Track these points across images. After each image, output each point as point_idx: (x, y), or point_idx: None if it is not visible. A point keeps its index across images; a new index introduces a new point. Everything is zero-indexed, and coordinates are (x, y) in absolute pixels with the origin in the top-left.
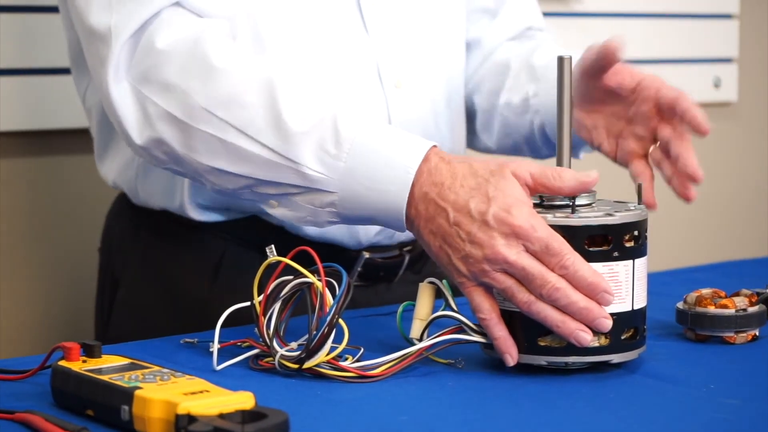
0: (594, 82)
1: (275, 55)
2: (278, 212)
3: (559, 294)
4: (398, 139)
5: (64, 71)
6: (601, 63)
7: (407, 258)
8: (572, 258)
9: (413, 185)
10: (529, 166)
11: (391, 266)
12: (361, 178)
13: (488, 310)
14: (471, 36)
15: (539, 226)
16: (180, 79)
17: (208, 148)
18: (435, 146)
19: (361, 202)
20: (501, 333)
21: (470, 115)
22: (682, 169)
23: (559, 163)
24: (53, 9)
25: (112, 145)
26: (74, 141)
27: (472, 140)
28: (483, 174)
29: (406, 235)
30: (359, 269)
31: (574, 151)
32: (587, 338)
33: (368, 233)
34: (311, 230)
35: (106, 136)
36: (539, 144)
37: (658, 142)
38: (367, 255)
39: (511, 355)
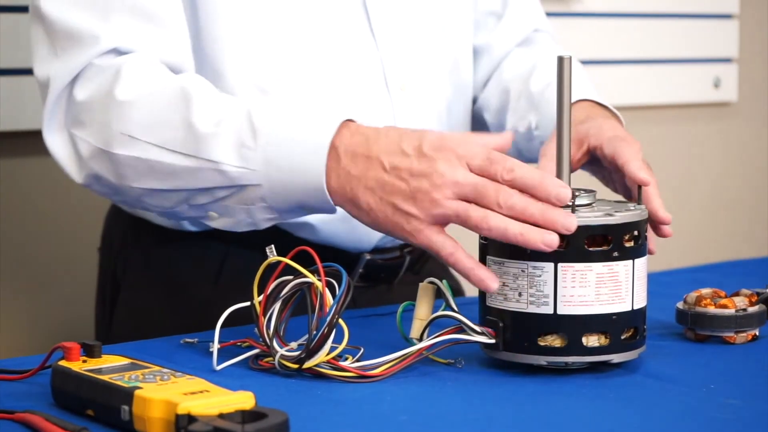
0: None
1: (192, 73)
2: (219, 223)
3: (514, 200)
4: (311, 118)
5: None
6: (614, 175)
7: (408, 259)
8: (516, 162)
9: (335, 154)
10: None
11: (391, 267)
12: (280, 163)
13: (452, 245)
14: (480, 42)
15: (474, 141)
16: (101, 116)
17: (135, 171)
18: (351, 120)
19: (287, 188)
20: (473, 263)
21: (482, 126)
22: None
23: (559, 164)
24: None
25: None
26: None
27: None
28: (407, 129)
29: None
30: (361, 270)
31: None
32: (555, 239)
33: (371, 237)
34: (315, 235)
35: None
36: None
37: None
38: (368, 256)
39: (491, 278)
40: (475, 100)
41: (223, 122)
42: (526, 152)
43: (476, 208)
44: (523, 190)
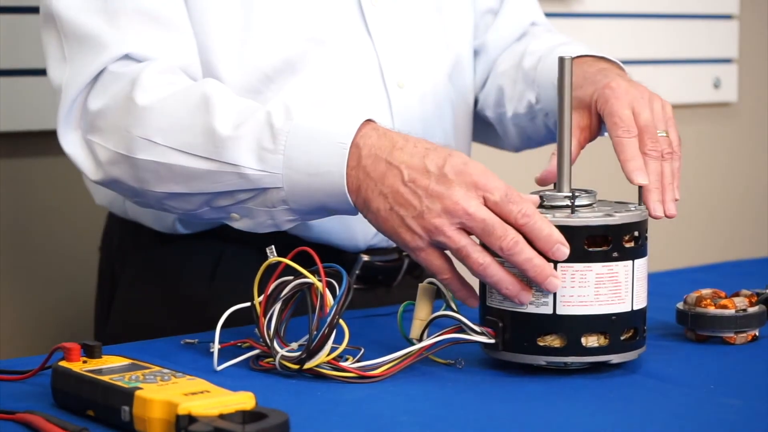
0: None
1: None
2: (241, 224)
3: (518, 248)
4: (331, 118)
5: None
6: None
7: (406, 262)
8: (532, 208)
9: (358, 154)
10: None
11: (390, 270)
12: (301, 166)
13: (449, 270)
14: (478, 42)
15: (496, 177)
16: (120, 121)
17: (156, 176)
18: (371, 120)
19: (308, 190)
20: (463, 285)
21: (488, 125)
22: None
23: (560, 163)
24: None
25: None
26: None
27: (499, 143)
28: (440, 145)
29: None
30: (357, 272)
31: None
32: (528, 296)
33: (366, 235)
34: (309, 231)
35: None
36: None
37: None
38: (365, 258)
39: (474, 297)
40: (476, 102)
41: (243, 125)
42: (532, 133)
43: (478, 252)
44: (529, 237)
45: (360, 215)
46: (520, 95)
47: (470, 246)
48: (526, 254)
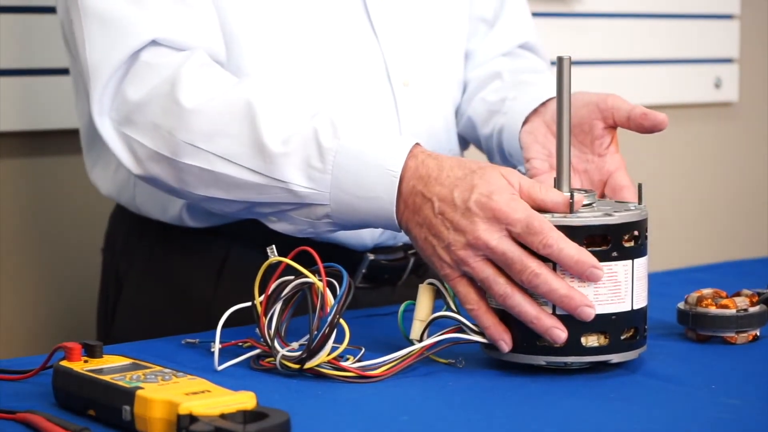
0: (592, 118)
1: (254, 78)
2: (279, 227)
3: (539, 280)
4: (380, 142)
5: (64, 71)
6: (641, 121)
7: (412, 261)
8: (555, 236)
9: (400, 185)
10: (520, 176)
11: (395, 268)
12: (349, 187)
13: (475, 301)
14: (469, 47)
15: (520, 208)
16: (161, 120)
17: (199, 180)
18: (418, 144)
19: (354, 210)
20: (491, 322)
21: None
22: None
23: (559, 166)
24: (52, 9)
25: (101, 159)
26: (75, 141)
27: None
28: (470, 166)
29: None
30: (363, 271)
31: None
32: (562, 336)
33: (373, 234)
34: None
35: (93, 150)
36: (493, 146)
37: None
38: (371, 257)
39: (505, 340)
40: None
41: (290, 141)
42: (477, 129)
43: (500, 284)
44: (560, 266)
45: None
46: (502, 90)
47: (492, 277)
48: (549, 286)
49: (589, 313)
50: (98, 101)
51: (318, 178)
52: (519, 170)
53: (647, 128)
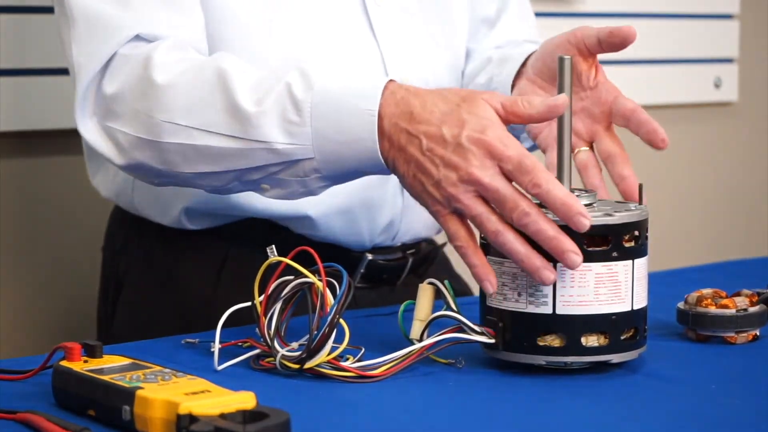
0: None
1: (225, 52)
2: (272, 194)
3: (528, 219)
4: (353, 84)
5: (62, 71)
6: (611, 40)
7: (410, 261)
8: (545, 176)
9: (380, 124)
10: (500, 96)
11: (394, 269)
12: (331, 135)
13: (465, 238)
14: (470, 46)
15: (513, 144)
16: (139, 104)
17: (183, 158)
18: (393, 80)
19: (340, 157)
20: (478, 261)
21: None
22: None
23: (560, 164)
24: (50, 9)
25: (102, 166)
26: (73, 141)
27: None
28: (454, 100)
29: (410, 236)
30: (362, 271)
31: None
32: (551, 277)
33: (372, 234)
34: (315, 231)
35: (95, 157)
36: None
37: (594, 149)
38: (370, 257)
39: (490, 281)
40: None
41: (265, 99)
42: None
43: (492, 219)
44: (547, 207)
45: (362, 217)
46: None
47: (485, 214)
48: (537, 226)
49: (575, 260)
50: (81, 102)
51: (298, 132)
52: (521, 139)
53: (618, 44)
